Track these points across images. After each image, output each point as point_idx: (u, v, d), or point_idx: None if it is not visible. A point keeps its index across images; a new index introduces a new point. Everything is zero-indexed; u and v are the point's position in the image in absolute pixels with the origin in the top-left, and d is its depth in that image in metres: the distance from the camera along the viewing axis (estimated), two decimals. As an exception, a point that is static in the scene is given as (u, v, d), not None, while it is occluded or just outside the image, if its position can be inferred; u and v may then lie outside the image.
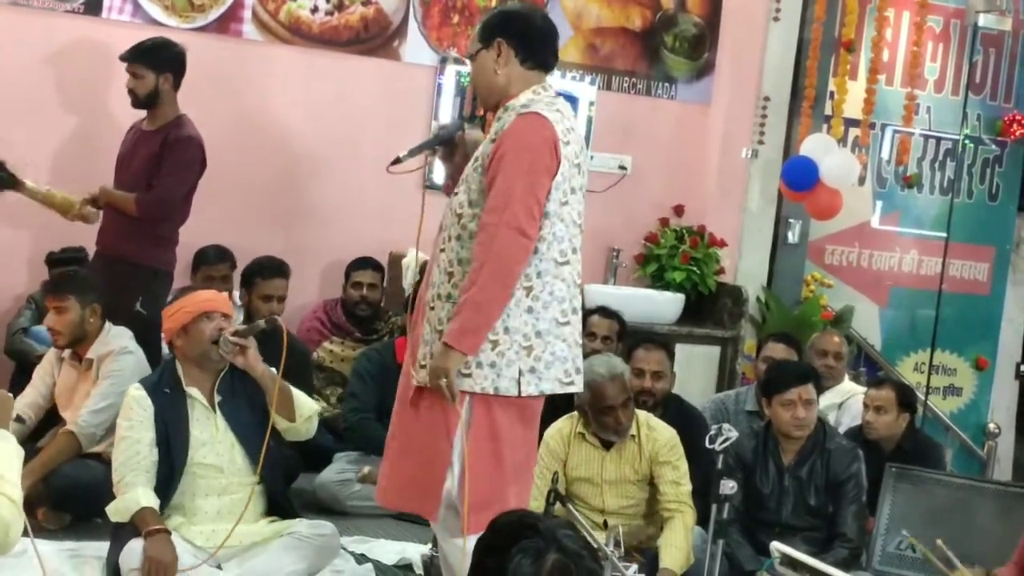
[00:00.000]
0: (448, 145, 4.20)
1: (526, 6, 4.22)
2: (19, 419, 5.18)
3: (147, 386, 4.53)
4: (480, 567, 2.27)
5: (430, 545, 4.93)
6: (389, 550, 5.24)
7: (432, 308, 3.93)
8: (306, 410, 4.61)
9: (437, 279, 3.95)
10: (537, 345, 3.84)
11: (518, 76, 3.96)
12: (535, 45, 3.99)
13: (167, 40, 5.96)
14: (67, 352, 5.34)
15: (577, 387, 4.00)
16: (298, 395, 4.62)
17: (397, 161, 4.06)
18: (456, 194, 3.99)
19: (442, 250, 3.97)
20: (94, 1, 6.63)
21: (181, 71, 5.90)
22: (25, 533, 3.07)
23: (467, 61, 4.19)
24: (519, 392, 3.84)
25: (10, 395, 3.25)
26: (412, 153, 4.14)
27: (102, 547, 4.58)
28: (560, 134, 3.84)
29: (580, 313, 4.00)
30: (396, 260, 7.09)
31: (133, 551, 4.24)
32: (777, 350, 6.14)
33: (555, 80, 7.50)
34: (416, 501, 4.00)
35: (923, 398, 7.52)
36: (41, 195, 5.83)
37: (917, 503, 5.18)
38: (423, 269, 6.70)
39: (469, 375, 3.81)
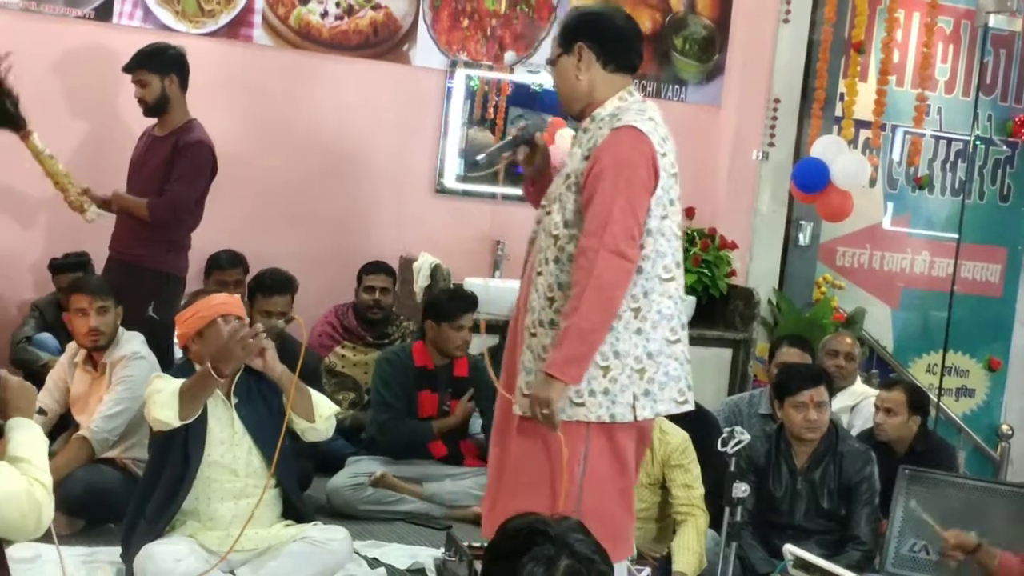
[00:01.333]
0: (528, 147, 4.03)
1: (606, 6, 4.01)
2: (41, 411, 5.20)
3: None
4: (490, 575, 2.25)
5: (443, 549, 4.93)
6: (402, 554, 5.23)
7: (534, 335, 3.79)
8: (325, 410, 4.59)
9: (536, 304, 3.79)
10: (649, 367, 3.73)
11: (601, 81, 3.81)
12: (617, 47, 3.83)
13: (164, 43, 5.96)
14: (80, 356, 5.35)
15: (690, 405, 3.87)
16: (316, 395, 4.61)
17: (475, 165, 3.97)
18: (549, 213, 3.83)
19: (539, 273, 3.80)
20: (105, 7, 6.65)
21: (185, 71, 5.89)
22: (45, 538, 3.11)
23: (549, 68, 3.97)
24: (635, 417, 3.72)
25: (33, 386, 3.28)
26: (490, 156, 4.04)
27: (115, 552, 4.58)
28: (657, 145, 3.70)
29: (687, 328, 3.87)
30: (407, 264, 7.09)
31: (148, 555, 4.25)
32: (791, 354, 6.11)
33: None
34: None
35: (935, 400, 7.51)
36: (42, 155, 5.74)
37: (930, 505, 5.17)
38: (434, 273, 6.80)
39: (583, 404, 3.69)
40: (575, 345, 3.61)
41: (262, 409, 4.55)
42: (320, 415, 4.56)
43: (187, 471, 4.40)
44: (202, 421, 4.41)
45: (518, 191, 7.11)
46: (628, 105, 3.78)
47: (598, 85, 3.81)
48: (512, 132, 4.05)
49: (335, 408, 4.69)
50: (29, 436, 3.14)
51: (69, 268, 6.22)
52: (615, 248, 3.59)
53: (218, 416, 4.48)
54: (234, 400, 4.52)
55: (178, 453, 4.39)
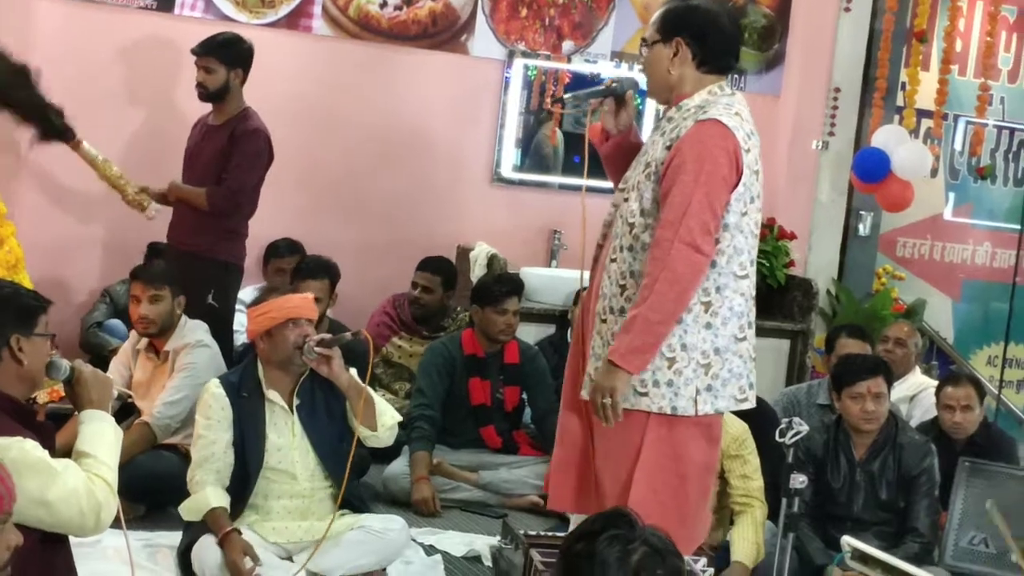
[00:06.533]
0: (617, 101, 3.93)
1: (714, 4, 3.94)
2: (118, 397, 5.27)
3: (226, 385, 4.49)
4: (570, 550, 2.32)
5: (498, 537, 4.94)
6: (458, 542, 5.26)
7: (604, 321, 3.76)
8: (388, 419, 4.56)
9: (608, 291, 3.76)
10: (715, 362, 3.70)
11: (692, 78, 3.75)
12: (717, 51, 3.76)
13: (239, 36, 5.99)
14: (143, 343, 5.41)
15: (750, 403, 3.85)
16: (380, 403, 4.59)
17: (560, 102, 3.89)
18: (627, 200, 3.78)
19: (613, 260, 3.77)
20: (166, -3, 6.72)
21: (250, 67, 5.93)
22: (115, 524, 3.11)
23: (643, 48, 3.85)
24: (696, 411, 3.69)
25: (110, 377, 3.29)
26: (577, 98, 3.96)
27: (175, 537, 4.64)
28: (741, 141, 3.66)
29: (754, 326, 3.86)
30: (464, 254, 7.10)
31: (205, 547, 4.29)
32: (849, 345, 6.06)
33: (624, 72, 7.52)
34: (593, 504, 3.81)
35: (996, 392, 7.44)
36: (96, 160, 5.80)
37: (990, 497, 5.11)
38: (491, 263, 6.80)
39: (646, 394, 3.67)
40: (640, 335, 3.59)
41: (323, 413, 4.53)
42: (383, 424, 4.53)
43: (247, 481, 4.42)
44: (259, 433, 4.43)
45: (576, 180, 7.14)
46: (716, 99, 3.72)
47: (687, 81, 3.76)
48: (606, 82, 3.97)
49: (398, 417, 4.66)
50: (98, 429, 3.12)
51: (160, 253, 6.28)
52: (690, 241, 3.56)
53: (275, 423, 4.48)
54: (296, 401, 4.51)
55: (237, 460, 4.43)
